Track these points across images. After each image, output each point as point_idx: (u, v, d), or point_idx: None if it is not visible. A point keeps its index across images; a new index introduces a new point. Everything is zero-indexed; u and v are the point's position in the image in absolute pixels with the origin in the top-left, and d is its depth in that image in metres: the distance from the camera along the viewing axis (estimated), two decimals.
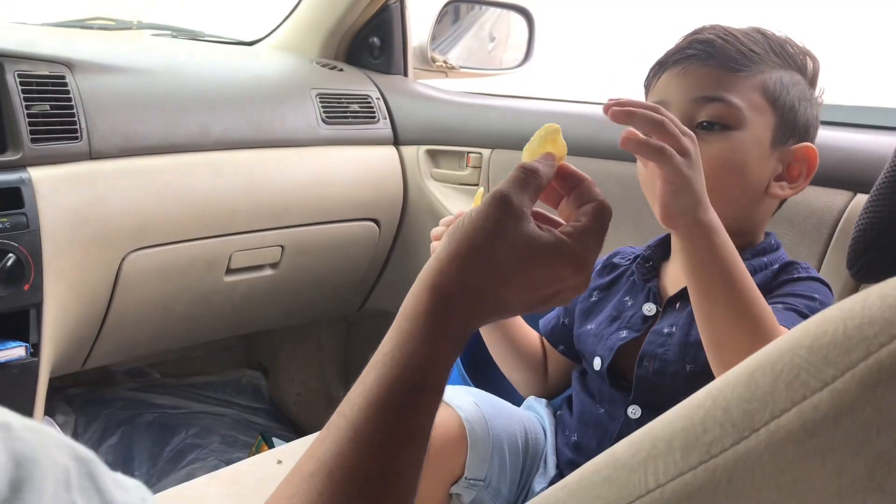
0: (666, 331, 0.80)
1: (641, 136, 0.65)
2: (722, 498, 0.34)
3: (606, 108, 0.66)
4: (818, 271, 1.01)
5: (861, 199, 1.00)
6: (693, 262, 0.68)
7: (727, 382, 0.37)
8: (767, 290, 0.76)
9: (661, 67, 0.83)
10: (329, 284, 1.60)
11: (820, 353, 0.33)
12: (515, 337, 0.96)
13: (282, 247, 1.43)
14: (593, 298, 0.91)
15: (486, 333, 0.96)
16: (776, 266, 0.80)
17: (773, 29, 0.84)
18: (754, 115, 0.78)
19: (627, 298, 0.87)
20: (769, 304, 0.69)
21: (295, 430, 1.81)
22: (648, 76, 0.85)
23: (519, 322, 0.97)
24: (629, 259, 0.92)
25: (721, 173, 0.77)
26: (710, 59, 0.79)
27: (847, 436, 0.31)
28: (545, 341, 0.98)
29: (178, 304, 1.36)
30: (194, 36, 1.72)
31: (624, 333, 0.84)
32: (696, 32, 0.82)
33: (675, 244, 0.71)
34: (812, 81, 0.84)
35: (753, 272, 0.77)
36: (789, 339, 0.35)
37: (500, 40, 1.99)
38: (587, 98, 1.41)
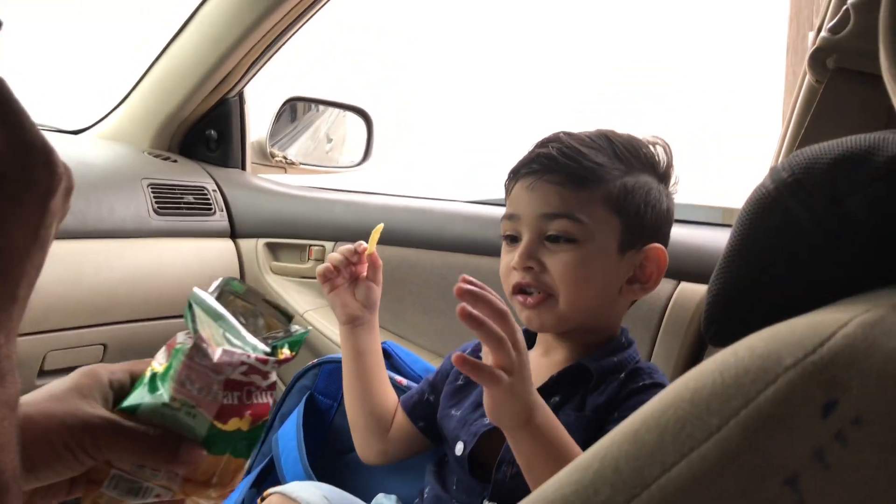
0: None
1: (481, 317, 0.65)
2: None
3: (459, 289, 0.66)
4: (651, 354, 1.07)
5: (685, 286, 1.08)
6: (525, 456, 0.70)
7: (613, 442, 0.37)
8: (616, 400, 0.79)
9: (514, 177, 0.87)
10: None
11: (701, 404, 0.34)
12: (371, 384, 0.95)
13: (104, 345, 1.32)
14: (460, 382, 0.91)
15: (345, 353, 0.96)
16: (623, 375, 0.82)
17: (617, 130, 0.88)
18: (599, 226, 0.82)
19: None
20: (617, 416, 0.74)
21: None
22: (506, 182, 0.89)
23: (380, 373, 0.96)
24: None
25: (571, 282, 0.81)
26: (554, 175, 0.82)
27: (735, 484, 0.32)
28: (399, 415, 0.96)
29: None
30: None
31: (487, 420, 0.83)
32: (542, 144, 0.86)
33: (511, 435, 0.71)
34: (664, 174, 0.88)
35: (602, 378, 0.81)
36: (669, 394, 0.36)
37: (337, 141, 2.02)
38: (432, 194, 1.45)
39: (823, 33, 0.73)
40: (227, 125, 1.63)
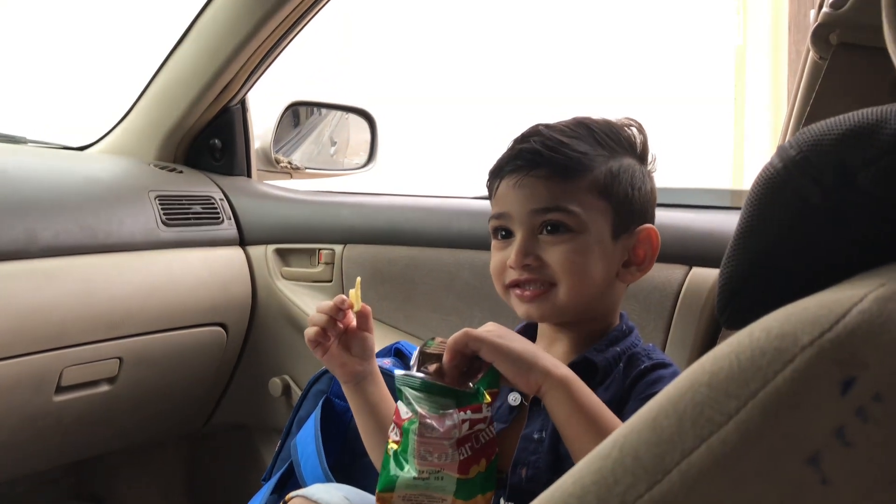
0: (535, 436, 0.80)
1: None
2: None
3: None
4: (666, 341, 1.06)
5: (697, 271, 1.07)
6: (560, 416, 0.73)
7: (631, 430, 0.36)
8: (621, 392, 0.79)
9: (497, 175, 0.86)
10: (172, 398, 1.48)
11: (719, 387, 0.34)
12: (384, 417, 0.92)
13: (120, 359, 1.32)
14: None
15: (356, 409, 0.92)
16: (621, 364, 0.82)
17: (593, 117, 0.87)
18: (591, 215, 0.81)
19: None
20: (630, 407, 0.74)
21: None
22: (488, 182, 0.88)
23: (388, 401, 0.93)
24: None
25: (571, 273, 0.80)
26: (539, 169, 0.82)
27: (757, 465, 0.32)
28: None
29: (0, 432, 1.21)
30: (16, 140, 1.61)
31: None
32: (523, 140, 0.85)
33: (544, 400, 0.74)
34: (642, 154, 0.88)
35: (608, 370, 0.81)
36: (686, 379, 0.36)
37: (341, 144, 2.02)
38: (438, 192, 1.45)
39: (825, 9, 0.72)
40: (231, 133, 1.63)
